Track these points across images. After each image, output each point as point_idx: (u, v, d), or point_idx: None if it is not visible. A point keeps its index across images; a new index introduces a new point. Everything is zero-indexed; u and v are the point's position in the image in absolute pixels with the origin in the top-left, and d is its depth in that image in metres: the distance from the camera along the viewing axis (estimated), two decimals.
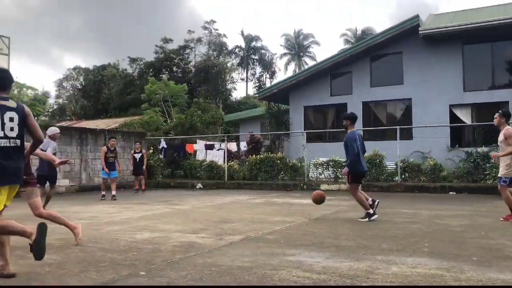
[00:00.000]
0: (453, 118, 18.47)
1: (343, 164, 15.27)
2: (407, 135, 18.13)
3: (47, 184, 9.54)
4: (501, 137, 7.45)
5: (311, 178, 15.94)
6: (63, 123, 34.93)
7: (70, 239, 6.00)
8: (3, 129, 3.92)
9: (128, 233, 6.44)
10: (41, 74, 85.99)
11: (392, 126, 17.91)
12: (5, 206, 4.03)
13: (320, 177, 15.93)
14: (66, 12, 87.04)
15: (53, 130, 9.77)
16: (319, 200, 8.28)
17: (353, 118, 7.88)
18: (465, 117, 18.49)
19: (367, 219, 7.50)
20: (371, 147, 16.01)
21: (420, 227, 6.82)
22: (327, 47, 78.94)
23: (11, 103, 4.05)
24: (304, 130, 19.72)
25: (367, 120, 20.41)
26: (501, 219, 7.41)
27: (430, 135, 16.66)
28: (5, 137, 3.93)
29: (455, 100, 18.46)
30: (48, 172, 9.69)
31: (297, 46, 54.96)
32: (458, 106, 18.47)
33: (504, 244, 5.41)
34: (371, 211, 7.52)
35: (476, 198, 11.53)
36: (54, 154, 9.84)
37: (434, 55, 18.97)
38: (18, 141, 4.03)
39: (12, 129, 3.97)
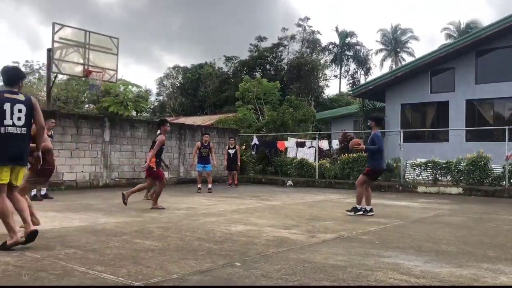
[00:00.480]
0: None
1: (443, 165, 14.47)
2: None
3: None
4: None
5: (407, 179, 15.24)
6: None
7: (170, 228, 6.36)
8: (12, 118, 4.66)
9: (223, 225, 6.67)
10: (143, 72, 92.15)
11: (500, 126, 16.52)
12: (12, 185, 4.76)
13: (418, 178, 15.17)
14: (166, 14, 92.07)
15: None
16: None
17: (378, 120, 8.53)
18: None
19: (352, 213, 8.09)
20: (475, 149, 14.93)
21: None
22: (426, 42, 74.81)
23: (20, 97, 4.78)
24: (401, 128, 18.90)
25: (470, 120, 19.03)
26: None
27: None
28: (13, 125, 4.67)
29: None
30: None
31: (394, 42, 52.79)
32: None
33: None
34: (359, 207, 8.10)
35: None
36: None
37: None
38: (25, 129, 4.76)
39: (19, 118, 4.71)
